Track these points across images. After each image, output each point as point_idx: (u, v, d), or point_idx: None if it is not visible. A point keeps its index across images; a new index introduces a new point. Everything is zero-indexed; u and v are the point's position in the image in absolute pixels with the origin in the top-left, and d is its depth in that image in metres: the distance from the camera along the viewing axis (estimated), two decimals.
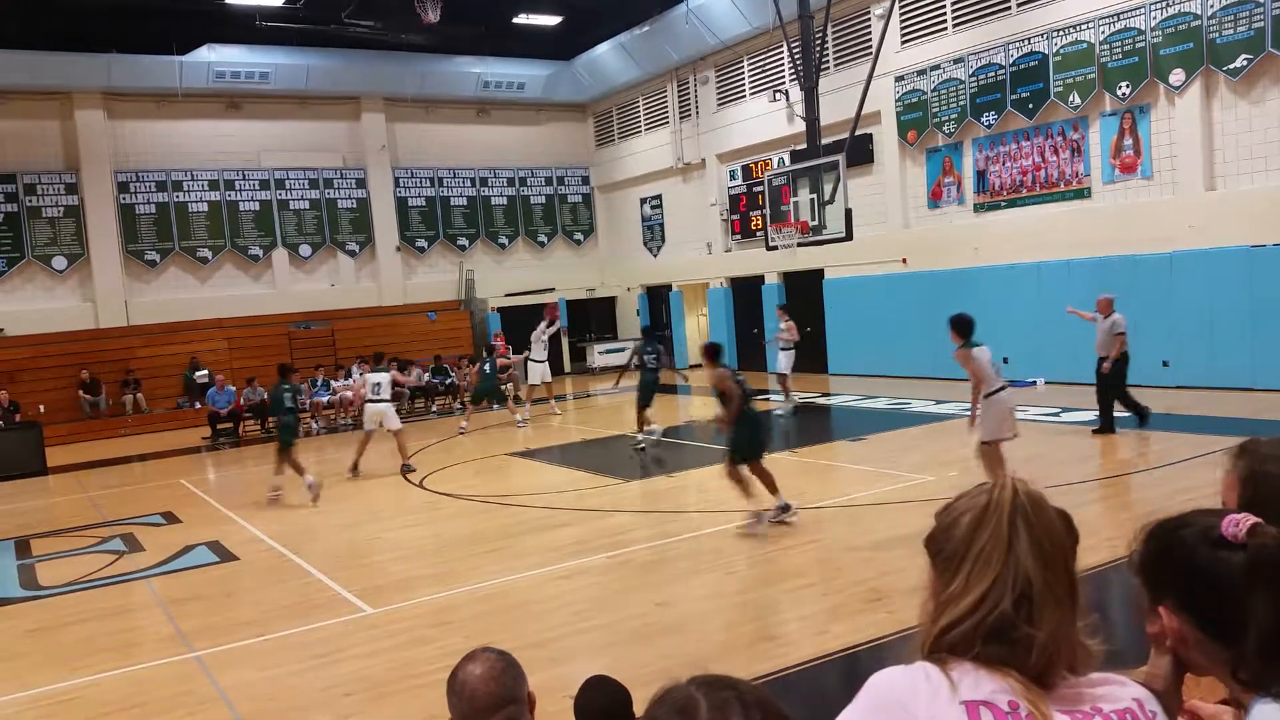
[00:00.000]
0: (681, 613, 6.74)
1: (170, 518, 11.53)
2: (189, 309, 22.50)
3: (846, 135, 16.90)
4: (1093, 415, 13.14)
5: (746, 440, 8.73)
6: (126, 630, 7.54)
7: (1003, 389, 8.52)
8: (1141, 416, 11.79)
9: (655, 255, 26.57)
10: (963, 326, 8.67)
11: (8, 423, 17.32)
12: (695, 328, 25.71)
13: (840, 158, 15.99)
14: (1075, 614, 1.41)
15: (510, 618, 6.85)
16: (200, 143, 23.03)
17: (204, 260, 23.11)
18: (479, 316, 25.51)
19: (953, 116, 17.88)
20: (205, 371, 21.07)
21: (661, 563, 8.06)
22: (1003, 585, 1.38)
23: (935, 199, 18.61)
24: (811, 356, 21.31)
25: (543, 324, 18.61)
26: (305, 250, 24.29)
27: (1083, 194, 16.13)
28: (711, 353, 9.08)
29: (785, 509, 8.67)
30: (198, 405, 20.16)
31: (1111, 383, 11.74)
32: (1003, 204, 17.39)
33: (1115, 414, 11.82)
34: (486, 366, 17.25)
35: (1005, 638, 1.37)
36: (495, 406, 17.63)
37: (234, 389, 19.25)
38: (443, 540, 9.41)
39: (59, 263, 21.60)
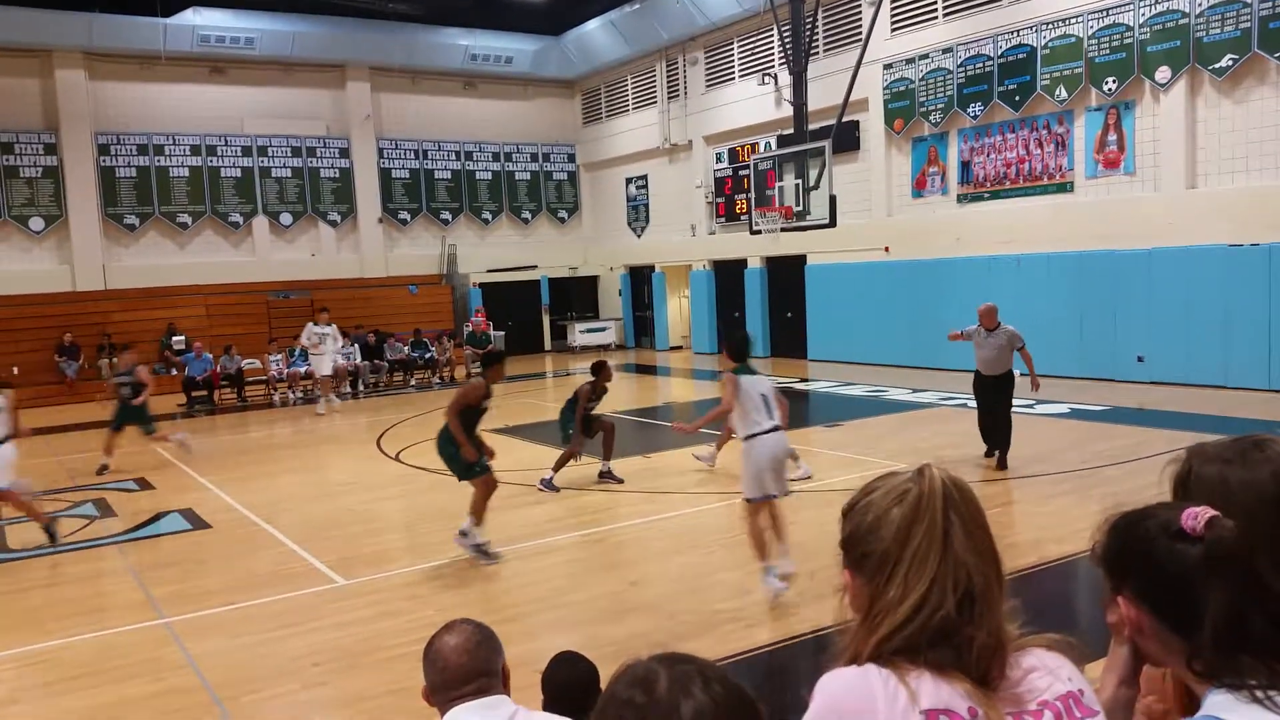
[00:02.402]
0: (654, 592, 6.78)
1: (143, 484, 11.46)
2: (168, 275, 22.29)
3: (834, 121, 16.90)
4: (1065, 406, 13.28)
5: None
6: (97, 595, 7.51)
7: (770, 432, 6.65)
8: (1001, 457, 10.01)
9: (639, 236, 26.53)
10: (735, 348, 7.16)
11: None
12: (677, 309, 25.73)
13: (826, 144, 15.99)
14: (1004, 604, 1.39)
15: (482, 592, 6.87)
16: (182, 107, 22.74)
17: (184, 226, 22.87)
18: (460, 291, 25.41)
19: (939, 106, 17.91)
20: (181, 337, 20.92)
21: (635, 542, 8.10)
22: (943, 585, 1.35)
23: (919, 188, 18.66)
24: (791, 342, 21.43)
25: (321, 316, 17.58)
26: (286, 219, 24.08)
27: (1065, 188, 16.22)
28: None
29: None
30: (173, 372, 20.00)
31: (1003, 405, 10.06)
32: (986, 195, 17.46)
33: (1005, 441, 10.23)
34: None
35: (951, 641, 1.34)
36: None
37: (211, 356, 19.11)
38: (416, 514, 9.41)
39: (36, 224, 21.33)
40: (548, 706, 2.99)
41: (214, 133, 23.11)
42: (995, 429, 10.09)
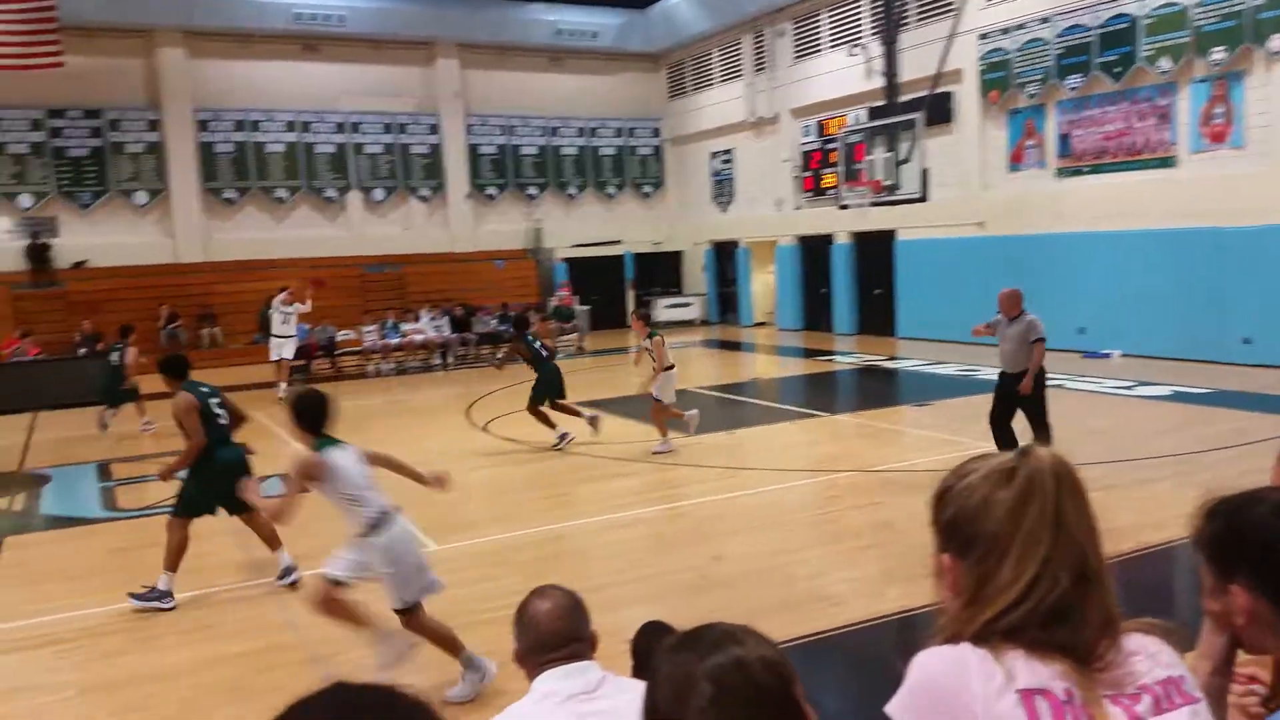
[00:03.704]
0: (736, 568, 6.81)
1: (244, 449, 11.87)
2: (266, 248, 22.97)
3: (926, 93, 16.52)
4: (1167, 389, 12.83)
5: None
6: (200, 555, 7.83)
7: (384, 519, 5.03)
8: None
9: (724, 210, 26.38)
10: (308, 414, 5.22)
11: (90, 351, 17.97)
12: (762, 285, 25.55)
13: (919, 116, 15.66)
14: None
15: (567, 562, 6.99)
16: (278, 84, 23.34)
17: (281, 200, 23.54)
18: (546, 266, 25.65)
19: (1037, 78, 17.34)
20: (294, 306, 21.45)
21: (719, 517, 8.12)
22: (1057, 565, 1.34)
23: (1016, 162, 18.13)
24: (879, 320, 21.09)
25: (281, 296, 16.90)
26: (379, 194, 24.60)
27: (1168, 162, 15.58)
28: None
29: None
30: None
31: (1032, 406, 8.58)
32: (1085, 170, 16.88)
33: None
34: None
35: (1066, 620, 1.33)
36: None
37: (306, 327, 19.69)
38: (505, 484, 9.59)
39: (140, 197, 22.19)
40: (636, 674, 3.04)
41: (308, 109, 23.67)
42: (1007, 429, 8.64)
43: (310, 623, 6.04)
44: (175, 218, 22.41)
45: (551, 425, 11.02)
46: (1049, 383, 8.76)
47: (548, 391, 11.09)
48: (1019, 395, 8.46)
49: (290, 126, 23.57)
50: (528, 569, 6.78)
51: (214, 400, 6.82)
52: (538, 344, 11.34)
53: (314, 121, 23.80)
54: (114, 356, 13.53)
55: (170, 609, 6.50)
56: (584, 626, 2.48)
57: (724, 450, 10.67)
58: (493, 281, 24.33)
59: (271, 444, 12.21)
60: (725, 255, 26.39)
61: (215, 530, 8.45)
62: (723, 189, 26.37)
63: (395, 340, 19.49)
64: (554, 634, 2.41)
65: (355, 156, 24.27)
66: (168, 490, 9.70)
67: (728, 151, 25.93)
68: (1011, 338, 8.57)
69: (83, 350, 18.23)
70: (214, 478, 6.72)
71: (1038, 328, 8.52)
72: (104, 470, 11.01)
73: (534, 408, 11.08)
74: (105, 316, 20.03)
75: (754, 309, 25.56)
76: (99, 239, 21.60)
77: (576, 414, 11.04)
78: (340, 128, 24.09)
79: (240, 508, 6.86)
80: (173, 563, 6.61)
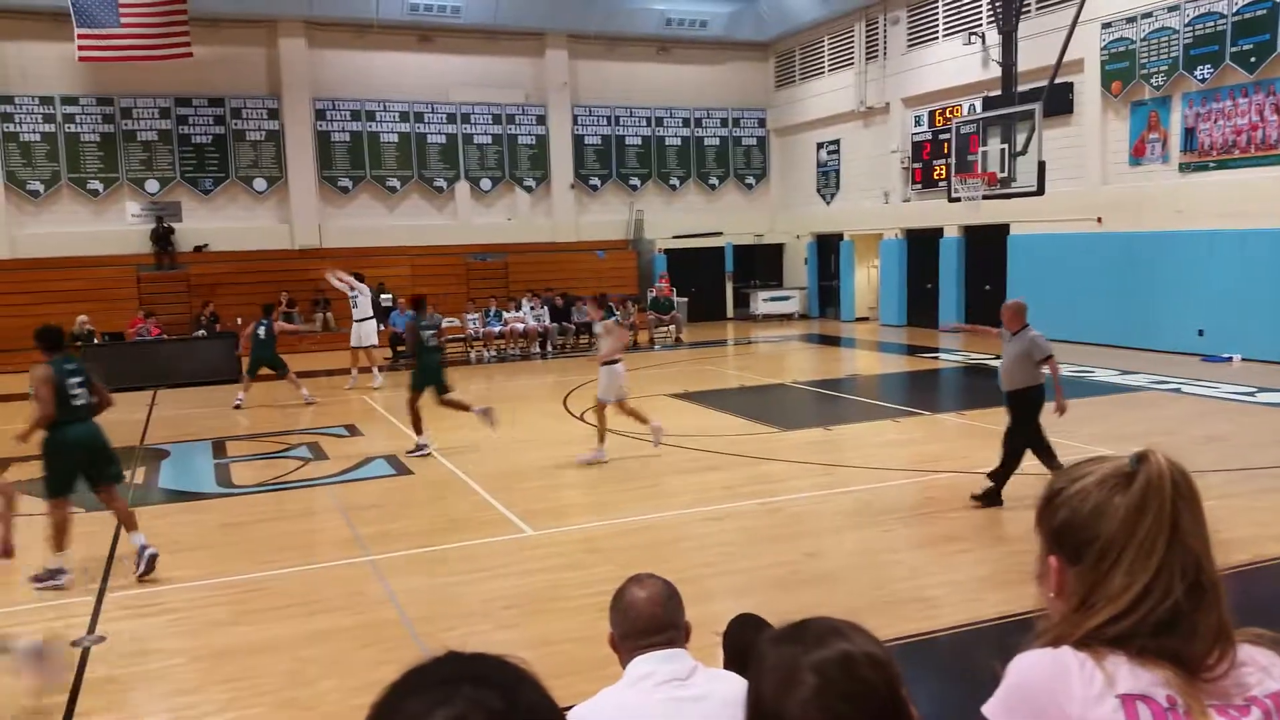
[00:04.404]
0: (830, 565, 6.72)
1: (353, 430, 12.29)
2: (377, 235, 23.63)
3: (1045, 83, 15.94)
4: None
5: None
6: (308, 531, 8.15)
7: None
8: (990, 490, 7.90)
9: (828, 202, 26.00)
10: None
11: (209, 332, 18.79)
12: (865, 279, 25.11)
13: (1037, 107, 15.13)
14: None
15: (658, 552, 6.99)
16: (393, 74, 23.94)
17: (393, 189, 24.17)
18: (646, 257, 25.72)
19: (1163, 68, 16.54)
20: (390, 295, 22.07)
21: (812, 514, 8.02)
22: (1170, 573, 1.31)
23: (1137, 156, 17.35)
24: (989, 316, 20.41)
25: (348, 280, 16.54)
26: (486, 184, 25.04)
27: None
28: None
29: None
30: (382, 327, 21.20)
31: (1021, 427, 7.85)
32: (1211, 165, 16.04)
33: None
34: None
35: (1176, 630, 1.30)
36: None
37: (414, 314, 20.16)
38: (598, 473, 9.66)
39: (259, 184, 23.07)
40: (728, 666, 3.03)
41: (421, 100, 24.21)
42: (1029, 451, 7.84)
43: (410, 599, 6.21)
44: (292, 204, 23.23)
45: (419, 430, 10.63)
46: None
47: (425, 381, 10.73)
48: (1019, 417, 7.81)
49: (403, 116, 24.16)
50: (618, 558, 6.82)
51: (74, 379, 6.79)
52: (429, 330, 11.00)
53: (426, 112, 24.35)
54: (260, 330, 14.31)
55: (65, 586, 6.63)
56: (679, 615, 2.53)
57: (820, 447, 10.54)
58: (593, 272, 24.52)
59: (384, 426, 12.59)
60: (828, 248, 26.01)
61: (319, 508, 8.77)
62: (827, 180, 25.98)
63: (497, 328, 19.83)
64: (651, 620, 2.45)
65: (464, 147, 24.74)
66: (281, 469, 10.12)
67: (834, 142, 25.53)
68: (1011, 354, 7.84)
69: (202, 331, 19.06)
70: (64, 453, 6.78)
71: (1042, 345, 7.77)
72: (218, 447, 11.50)
73: (412, 402, 10.73)
74: (223, 299, 20.93)
75: (856, 304, 25.14)
76: (219, 224, 22.54)
77: (466, 408, 10.76)
78: (451, 118, 24.58)
79: (98, 483, 6.96)
80: (59, 543, 6.77)
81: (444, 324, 20.13)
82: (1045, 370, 7.89)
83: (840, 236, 25.26)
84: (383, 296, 22.22)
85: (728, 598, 5.92)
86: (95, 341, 17.35)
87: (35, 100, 21.20)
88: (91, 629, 5.92)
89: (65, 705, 4.92)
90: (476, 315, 19.96)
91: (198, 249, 22.15)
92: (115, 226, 21.40)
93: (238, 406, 14.10)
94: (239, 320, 19.88)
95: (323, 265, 22.57)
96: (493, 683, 0.95)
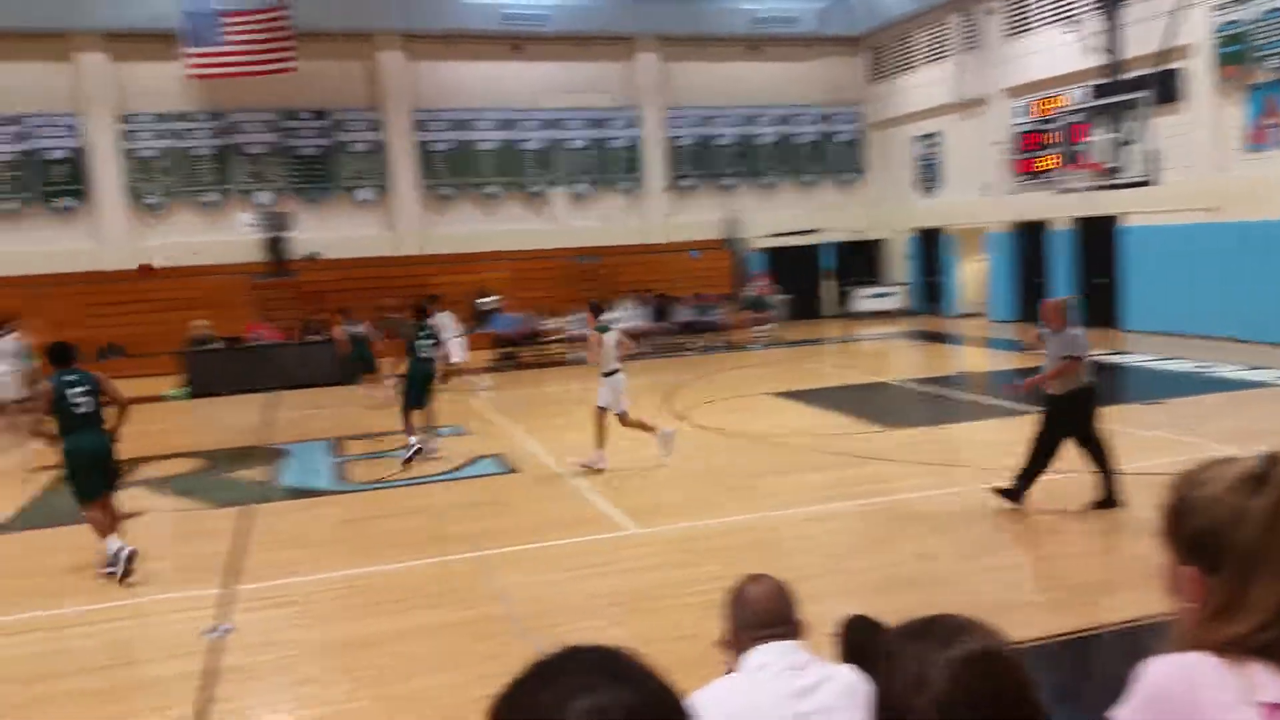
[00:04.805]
0: (942, 567, 6.59)
1: (462, 430, 12.54)
2: (477, 241, 24.10)
3: (1152, 70, 15.33)
4: None
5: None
6: (420, 528, 8.38)
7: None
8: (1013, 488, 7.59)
9: (928, 196, 25.48)
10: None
11: (320, 338, 19.42)
12: (969, 275, 24.51)
13: (1146, 94, 14.57)
14: None
15: (762, 553, 6.97)
16: (488, 83, 24.40)
17: (492, 196, 24.65)
18: (741, 256, 25.61)
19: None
20: (492, 298, 22.51)
21: (920, 515, 7.87)
22: None
23: (1255, 142, 16.53)
24: (1103, 311, 19.73)
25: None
26: (581, 188, 25.31)
27: None
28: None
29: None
30: (483, 330, 21.62)
31: (1059, 429, 7.46)
32: None
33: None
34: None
35: None
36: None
37: (514, 316, 20.60)
38: (700, 472, 9.67)
39: (364, 194, 23.78)
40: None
41: (516, 108, 24.62)
42: (1093, 446, 7.50)
43: (517, 595, 6.33)
44: (395, 213, 23.89)
45: (409, 431, 10.72)
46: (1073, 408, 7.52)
47: (412, 389, 10.75)
48: (1060, 420, 7.46)
49: (500, 125, 24.60)
50: (720, 557, 6.81)
51: (76, 389, 7.08)
52: (428, 341, 10.80)
53: (521, 119, 24.74)
54: (355, 330, 15.24)
55: (127, 569, 6.98)
56: (794, 611, 2.60)
57: (927, 446, 10.34)
58: (688, 272, 24.52)
59: (490, 427, 12.86)
60: (929, 243, 25.48)
61: (430, 505, 8.99)
62: (926, 174, 25.47)
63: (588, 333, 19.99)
64: (768, 613, 2.54)
65: (559, 153, 25.05)
66: (394, 468, 10.43)
67: (932, 135, 25.01)
68: (1053, 353, 7.50)
69: (312, 336, 19.72)
70: (74, 459, 7.13)
71: (1077, 343, 7.42)
72: (336, 446, 11.90)
73: (404, 409, 10.87)
74: (331, 305, 21.57)
75: (961, 299, 24.57)
76: (327, 233, 23.30)
77: (410, 431, 10.68)
78: (545, 125, 24.92)
79: (105, 488, 7.32)
80: (105, 531, 7.17)
81: (544, 326, 20.61)
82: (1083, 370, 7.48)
83: (942, 231, 24.73)
84: (483, 300, 22.67)
85: (836, 599, 5.87)
86: (214, 345, 18.15)
87: (153, 118, 22.27)
88: (221, 620, 6.21)
89: (200, 691, 5.17)
90: (575, 317, 20.19)
91: (309, 257, 22.92)
92: (229, 236, 22.31)
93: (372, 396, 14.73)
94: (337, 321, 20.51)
95: (426, 271, 23.19)
96: (625, 676, 0.97)
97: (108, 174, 21.96)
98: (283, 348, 18.78)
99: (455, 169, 24.35)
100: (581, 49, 24.91)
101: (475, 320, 22.22)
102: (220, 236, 22.46)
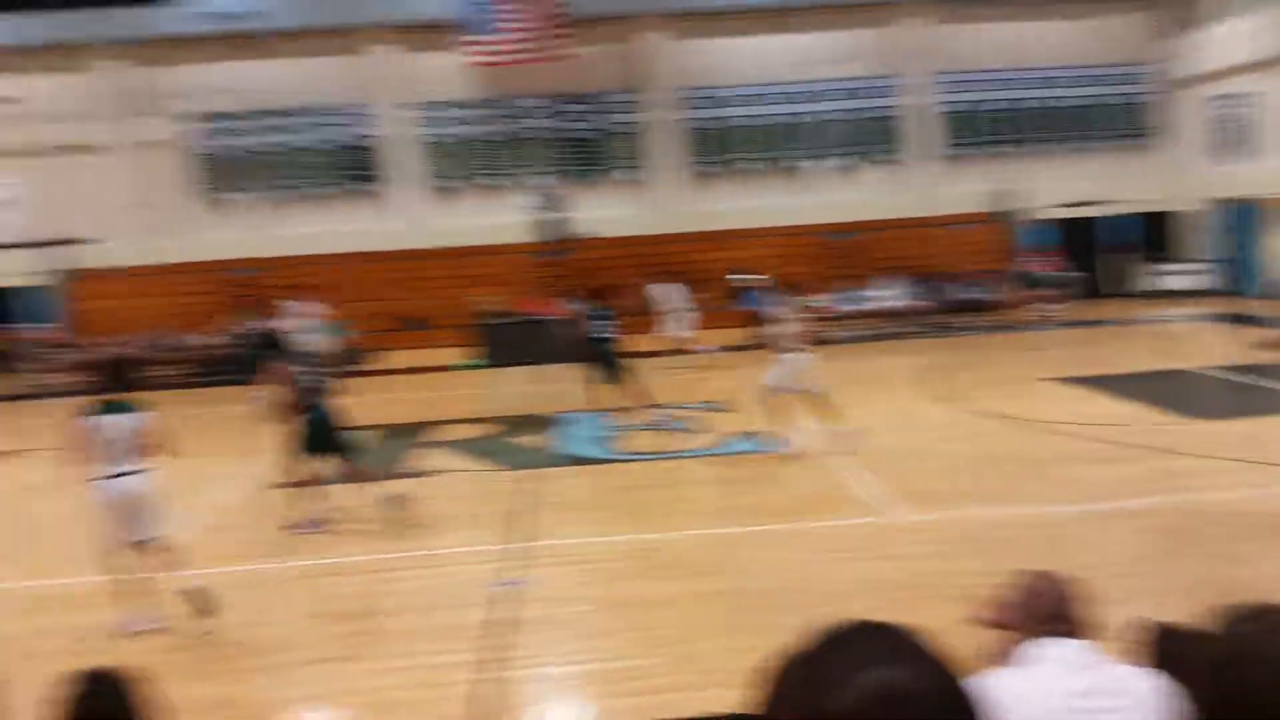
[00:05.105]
0: (1258, 574, 5.97)
1: (724, 406, 12.70)
2: (737, 218, 24.25)
3: None
4: None
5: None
6: (684, 499, 8.68)
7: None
8: None
9: (1238, 163, 22.88)
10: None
11: (591, 314, 20.32)
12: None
13: None
14: None
15: (1043, 550, 6.55)
16: (746, 59, 24.37)
17: (750, 172, 24.71)
18: (1014, 230, 24.16)
19: None
20: (748, 275, 22.60)
21: (1232, 517, 7.12)
22: None
23: None
24: None
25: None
26: (840, 161, 24.81)
27: None
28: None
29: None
30: (741, 307, 21.75)
31: None
32: None
33: None
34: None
35: None
36: None
37: (773, 293, 20.52)
38: (974, 459, 9.29)
39: (628, 175, 24.57)
40: None
41: (773, 81, 24.46)
42: None
43: (778, 572, 6.41)
44: (657, 191, 24.51)
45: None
46: None
47: (601, 368, 10.24)
48: None
49: (758, 100, 24.55)
50: (990, 551, 6.53)
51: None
52: (605, 322, 10.35)
53: (778, 93, 24.56)
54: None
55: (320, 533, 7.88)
56: (1081, 610, 2.59)
57: (1237, 441, 9.32)
58: (955, 246, 23.46)
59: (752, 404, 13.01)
60: (1239, 215, 22.88)
61: (695, 478, 9.24)
62: (1235, 137, 22.85)
63: (855, 308, 19.64)
64: (1057, 607, 2.53)
65: (816, 125, 24.68)
66: (662, 440, 10.78)
67: (1243, 95, 22.36)
68: None
69: (583, 313, 20.65)
70: (311, 428, 8.11)
71: None
72: (610, 416, 12.42)
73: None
74: (598, 283, 22.45)
75: (1273, 278, 21.96)
76: (595, 213, 24.25)
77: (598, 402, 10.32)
78: (802, 97, 24.60)
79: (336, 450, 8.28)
80: (363, 480, 8.24)
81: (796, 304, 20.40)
82: None
83: (1257, 201, 22.14)
84: (738, 277, 22.69)
85: (1133, 602, 5.49)
86: (502, 319, 19.49)
87: (446, 106, 24.08)
88: (515, 574, 6.71)
89: (500, 638, 5.62)
90: (833, 295, 19.94)
91: (582, 237, 23.97)
92: (512, 218, 23.72)
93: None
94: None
95: (685, 249, 23.62)
96: (911, 654, 1.01)
97: (403, 159, 23.97)
98: (560, 323, 19.78)
99: (716, 146, 24.62)
100: (843, 16, 24.34)
101: (729, 297, 22.38)
102: (505, 217, 23.95)
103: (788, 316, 10.09)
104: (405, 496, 8.04)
